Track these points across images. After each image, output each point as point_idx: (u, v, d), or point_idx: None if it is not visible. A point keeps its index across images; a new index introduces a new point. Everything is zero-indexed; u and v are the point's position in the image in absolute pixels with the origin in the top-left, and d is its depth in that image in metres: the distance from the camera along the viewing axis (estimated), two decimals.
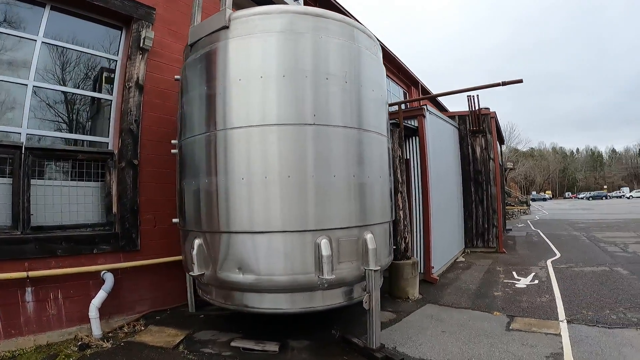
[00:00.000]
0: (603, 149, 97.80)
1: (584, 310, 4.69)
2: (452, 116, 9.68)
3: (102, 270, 4.37)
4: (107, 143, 4.80)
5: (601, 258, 8.30)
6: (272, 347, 3.89)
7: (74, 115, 4.73)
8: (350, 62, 3.94)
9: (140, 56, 4.88)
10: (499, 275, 6.92)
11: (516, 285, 6.17)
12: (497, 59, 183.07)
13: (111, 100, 4.88)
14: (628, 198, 59.08)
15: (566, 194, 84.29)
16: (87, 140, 4.70)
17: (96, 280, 4.35)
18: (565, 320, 4.35)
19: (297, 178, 3.55)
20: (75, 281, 4.14)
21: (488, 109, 9.25)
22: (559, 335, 3.94)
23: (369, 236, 3.88)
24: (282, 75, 3.66)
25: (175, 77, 4.50)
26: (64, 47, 4.55)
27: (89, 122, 4.87)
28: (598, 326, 4.14)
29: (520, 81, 4.57)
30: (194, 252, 3.78)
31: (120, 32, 4.98)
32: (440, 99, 18.49)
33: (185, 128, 4.15)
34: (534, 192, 69.54)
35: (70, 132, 4.65)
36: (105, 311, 4.25)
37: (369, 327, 3.74)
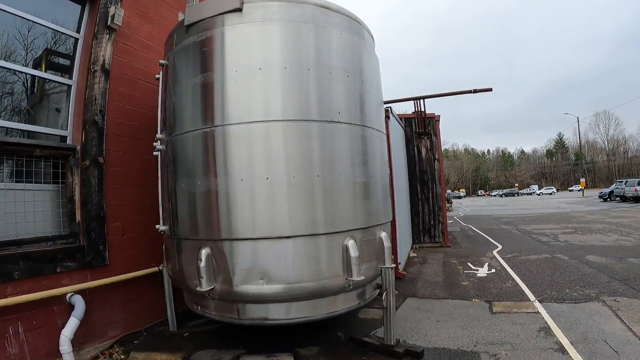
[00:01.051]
0: (513, 150, 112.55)
1: (548, 290, 5.38)
2: (400, 118, 10.31)
3: (69, 292, 3.58)
4: (66, 137, 3.97)
5: (539, 247, 9.42)
6: (286, 358, 3.68)
7: (20, 101, 3.80)
8: (353, 57, 3.84)
9: (108, 36, 4.14)
10: (457, 267, 7.53)
11: (477, 274, 6.77)
12: (417, 64, 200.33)
13: (71, 86, 4.05)
14: (538, 195, 67.72)
15: (479, 191, 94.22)
16: (40, 133, 3.80)
17: (62, 305, 3.55)
18: (536, 300, 4.93)
19: (322, 178, 3.40)
20: (39, 309, 3.30)
21: (434, 113, 10.11)
22: (538, 312, 4.48)
23: (383, 234, 3.91)
24: (284, 67, 3.42)
25: (160, 61, 3.93)
26: (10, 13, 3.63)
27: (44, 112, 3.98)
28: (566, 302, 4.79)
29: (490, 89, 5.09)
30: (202, 264, 3.27)
31: (82, 6, 4.15)
32: None
33: (178, 123, 3.66)
34: (449, 191, 77.37)
35: (20, 122, 3.75)
36: (73, 341, 3.50)
37: (385, 324, 3.77)
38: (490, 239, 11.81)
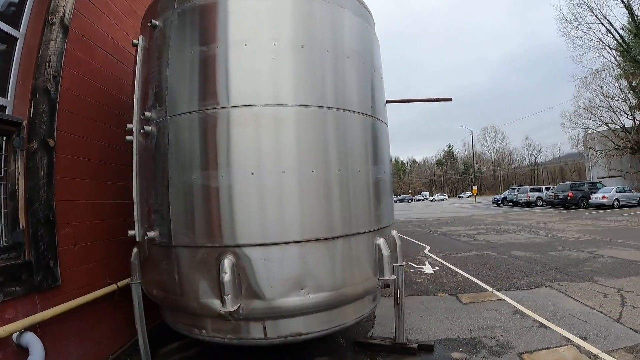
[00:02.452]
0: (404, 159, 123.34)
1: (498, 281, 6.07)
2: None
3: (16, 330, 2.50)
4: (5, 107, 2.77)
5: (464, 247, 10.14)
6: None
7: None
8: (365, 43, 3.58)
9: None
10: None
11: (425, 272, 7.21)
12: None
13: (16, 39, 2.84)
14: (431, 200, 73.58)
15: None
16: None
17: (8, 349, 2.46)
18: (494, 290, 5.52)
19: (342, 174, 3.09)
20: None
21: None
22: (503, 300, 5.04)
23: (394, 232, 3.91)
24: (301, 46, 3.02)
25: (153, 21, 3.09)
26: None
27: None
28: (520, 290, 5.50)
29: (450, 99, 5.66)
30: (227, 277, 2.61)
31: None
32: None
33: (169, 101, 2.91)
34: None
35: None
36: None
37: (397, 322, 3.76)
38: (414, 240, 12.23)
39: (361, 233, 3.17)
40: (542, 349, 3.66)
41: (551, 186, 34.02)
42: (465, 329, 4.16)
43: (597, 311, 4.42)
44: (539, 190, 32.05)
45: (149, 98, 3.05)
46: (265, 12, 3.00)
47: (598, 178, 33.88)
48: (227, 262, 2.68)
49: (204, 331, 2.97)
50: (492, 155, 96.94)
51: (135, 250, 3.31)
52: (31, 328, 2.63)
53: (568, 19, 31.10)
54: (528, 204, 30.92)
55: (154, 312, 3.53)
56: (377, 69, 3.72)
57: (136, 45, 3.20)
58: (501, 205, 35.26)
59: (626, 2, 27.26)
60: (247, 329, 2.87)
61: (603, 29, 29.30)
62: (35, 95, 2.88)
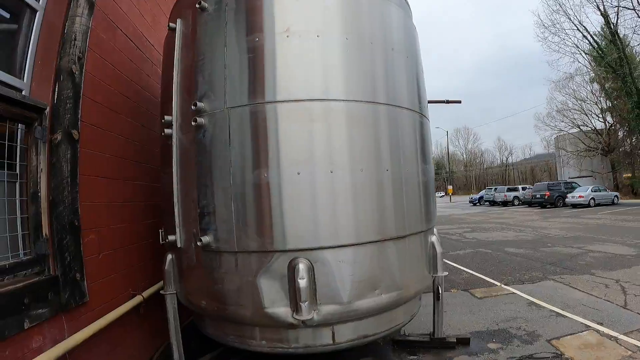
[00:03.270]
0: None
1: (502, 276, 6.00)
2: None
3: None
4: (21, 90, 2.13)
5: (457, 245, 9.75)
6: None
7: None
8: (409, 37, 3.24)
9: None
10: None
11: None
12: None
13: (35, 11, 2.20)
14: None
15: None
16: None
17: None
18: (502, 285, 5.45)
19: (393, 172, 2.75)
20: None
21: None
22: (514, 293, 4.99)
23: (435, 230, 3.69)
24: (346, 38, 2.65)
25: (202, 3, 2.60)
26: None
27: None
28: (527, 284, 5.46)
29: (459, 102, 5.56)
30: (304, 283, 2.24)
31: None
32: None
33: (229, 92, 2.42)
34: None
35: None
36: None
37: (436, 318, 3.54)
38: None
39: (422, 231, 2.93)
40: (567, 335, 3.65)
41: (528, 186, 32.26)
42: (490, 322, 4.06)
43: (604, 300, 4.52)
44: (516, 189, 31.06)
45: (197, 87, 2.55)
46: (314, 2, 2.63)
47: (569, 178, 32.52)
48: (303, 266, 2.29)
49: (263, 342, 2.54)
50: (465, 155, 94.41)
51: (170, 257, 2.79)
52: (61, 358, 2.06)
53: (545, 25, 30.52)
54: (505, 203, 29.75)
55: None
56: (419, 62, 3.45)
57: (173, 29, 2.70)
58: (478, 204, 33.42)
59: (602, 10, 26.78)
60: (315, 336, 2.50)
61: (579, 35, 29.05)
62: (59, 77, 2.27)
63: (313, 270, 2.34)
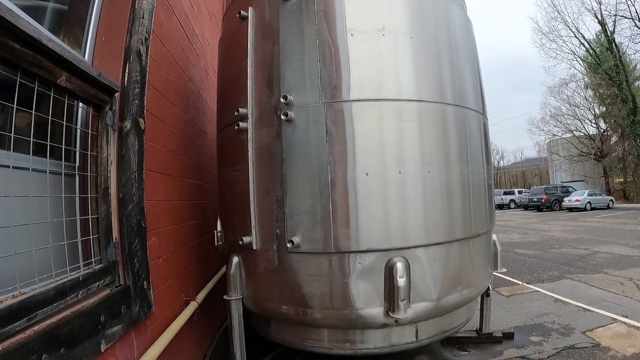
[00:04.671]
0: None
1: (522, 276, 5.77)
2: None
3: None
4: (99, 73, 1.63)
5: None
6: None
7: None
8: (468, 36, 2.91)
9: None
10: None
11: None
12: None
13: None
14: None
15: None
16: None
17: None
18: (524, 283, 5.24)
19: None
20: None
21: None
22: (538, 291, 4.78)
23: None
24: (410, 37, 2.35)
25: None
26: None
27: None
28: (546, 282, 5.25)
29: None
30: (403, 282, 1.95)
31: None
32: None
33: (325, 85, 2.07)
34: None
35: None
36: None
37: (485, 314, 3.30)
38: None
39: (489, 230, 2.66)
40: (598, 327, 3.52)
41: (523, 189, 30.86)
42: (525, 317, 3.87)
43: (623, 296, 4.42)
44: (512, 193, 29.73)
45: (283, 79, 2.14)
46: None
47: (562, 182, 30.52)
48: (401, 265, 1.97)
49: (347, 344, 2.16)
50: None
51: (236, 260, 2.35)
52: None
53: (543, 31, 28.76)
54: (501, 207, 28.27)
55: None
56: (479, 62, 3.18)
57: (244, 18, 2.27)
58: None
59: (599, 18, 25.27)
60: (401, 335, 2.19)
61: (576, 42, 26.66)
62: (129, 58, 1.80)
63: (409, 268, 2.02)
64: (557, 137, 33.33)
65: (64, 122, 1.46)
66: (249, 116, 2.20)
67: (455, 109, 2.47)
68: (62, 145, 1.45)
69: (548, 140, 35.36)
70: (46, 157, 1.36)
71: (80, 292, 1.41)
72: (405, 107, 2.19)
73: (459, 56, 2.68)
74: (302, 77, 2.14)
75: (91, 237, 1.56)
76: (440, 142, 2.29)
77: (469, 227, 2.32)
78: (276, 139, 2.10)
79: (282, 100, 2.05)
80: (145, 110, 1.99)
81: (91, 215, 1.57)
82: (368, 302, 2.01)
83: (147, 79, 2.01)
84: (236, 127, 2.17)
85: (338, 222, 1.96)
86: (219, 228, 2.72)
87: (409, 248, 2.04)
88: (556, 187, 25.38)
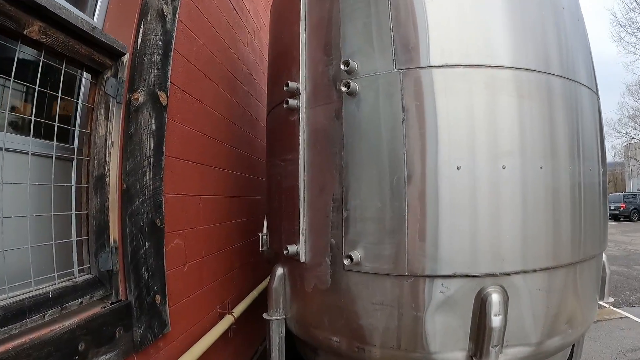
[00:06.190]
0: None
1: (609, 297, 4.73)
2: None
3: None
4: (93, 27, 1.34)
5: None
6: None
7: None
8: None
9: None
10: None
11: None
12: None
13: None
14: None
15: None
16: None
17: None
18: (611, 307, 4.22)
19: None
20: None
21: None
22: (627, 317, 4.04)
23: None
24: None
25: None
26: None
27: None
28: (635, 306, 4.46)
29: None
30: (498, 321, 1.31)
31: None
32: None
33: (400, 47, 1.45)
34: None
35: None
36: None
37: (576, 352, 2.28)
38: None
39: (602, 251, 1.76)
40: None
41: None
42: (616, 351, 3.21)
43: None
44: None
45: (344, 42, 1.58)
46: None
47: (639, 190, 28.46)
48: (498, 297, 1.34)
49: None
50: None
51: (280, 271, 1.85)
52: None
53: (621, 24, 26.44)
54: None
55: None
56: (587, 32, 2.17)
57: None
58: None
59: None
60: None
61: None
62: (145, 16, 1.42)
63: (507, 302, 1.36)
64: (636, 141, 29.70)
65: (47, 91, 1.11)
66: (301, 91, 1.68)
67: (564, 83, 1.65)
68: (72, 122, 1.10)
69: (625, 144, 31.85)
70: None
71: (49, 312, 1.04)
72: (513, 77, 1.50)
73: (567, 19, 1.85)
74: (369, 38, 1.56)
75: (73, 240, 1.19)
76: (546, 128, 1.55)
77: (586, 246, 1.60)
78: (335, 120, 1.54)
79: (342, 67, 1.49)
80: (169, 83, 1.60)
81: (75, 211, 1.21)
82: (447, 345, 1.40)
83: (172, 46, 1.62)
84: (285, 105, 1.67)
85: (415, 234, 1.34)
86: (264, 230, 2.28)
87: (509, 274, 1.38)
88: (635, 194, 23.19)
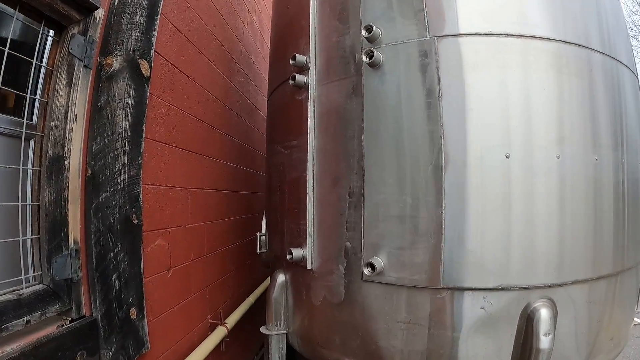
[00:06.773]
0: None
1: None
2: None
3: None
4: None
5: None
6: None
7: None
8: None
9: None
10: None
11: None
12: None
13: None
14: None
15: None
16: None
17: None
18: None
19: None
20: None
21: None
22: None
23: None
24: None
25: None
26: None
27: None
28: None
29: None
30: (547, 342, 1.06)
31: None
32: None
33: (432, 12, 1.17)
34: None
35: None
36: None
37: None
38: None
39: None
40: None
41: None
42: None
43: None
44: None
45: (364, 5, 1.30)
46: None
47: None
48: (547, 313, 1.08)
49: None
50: None
51: (282, 278, 1.58)
52: None
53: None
54: None
55: None
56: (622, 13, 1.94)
57: None
58: None
59: None
60: None
61: None
62: None
63: (556, 318, 1.12)
64: None
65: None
66: (310, 65, 1.41)
67: (604, 60, 1.40)
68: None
69: None
70: None
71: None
72: (573, 54, 1.26)
73: None
74: (394, 0, 1.29)
75: (20, 239, 0.91)
76: (586, 112, 1.29)
77: (629, 252, 1.34)
78: (352, 97, 1.27)
79: (364, 33, 1.21)
80: (153, 52, 1.32)
81: (22, 201, 0.92)
82: None
83: (160, 9, 1.34)
84: (291, 82, 1.39)
85: (455, 236, 1.06)
86: (263, 230, 2.00)
87: (561, 285, 1.13)
88: None
